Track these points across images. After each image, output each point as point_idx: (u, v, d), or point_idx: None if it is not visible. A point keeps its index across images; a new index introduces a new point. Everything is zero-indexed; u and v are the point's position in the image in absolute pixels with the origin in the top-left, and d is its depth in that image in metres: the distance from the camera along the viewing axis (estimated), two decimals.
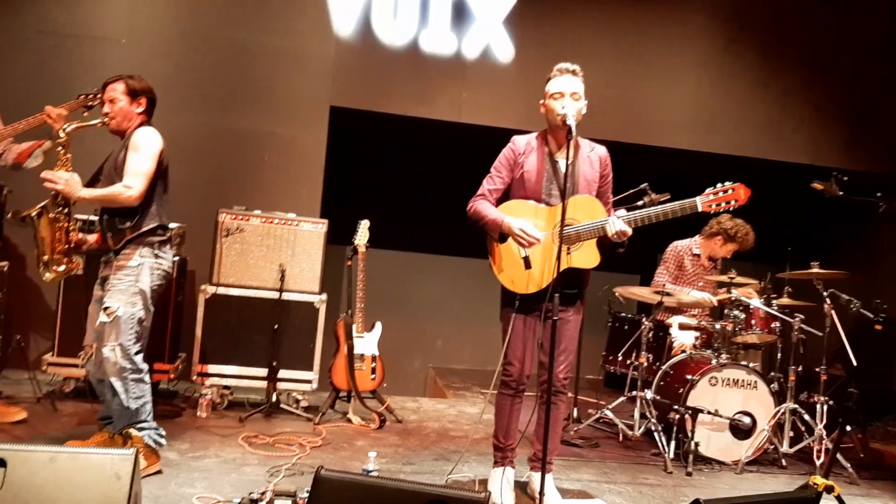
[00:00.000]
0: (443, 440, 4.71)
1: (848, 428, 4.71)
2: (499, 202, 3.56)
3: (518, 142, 3.59)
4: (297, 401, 5.01)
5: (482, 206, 3.53)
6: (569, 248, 3.41)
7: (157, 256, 3.73)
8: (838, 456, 4.62)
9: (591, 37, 6.25)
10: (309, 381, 5.01)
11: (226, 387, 4.95)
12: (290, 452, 4.08)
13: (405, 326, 7.25)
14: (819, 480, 3.32)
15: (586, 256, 3.46)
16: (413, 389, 7.07)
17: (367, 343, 4.94)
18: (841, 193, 5.03)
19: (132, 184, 3.62)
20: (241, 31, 5.79)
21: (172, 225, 3.96)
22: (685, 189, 4.79)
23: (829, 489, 3.30)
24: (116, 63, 5.30)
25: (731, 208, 3.39)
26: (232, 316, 4.94)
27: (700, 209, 3.38)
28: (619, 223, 3.37)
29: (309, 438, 4.36)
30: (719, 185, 3.38)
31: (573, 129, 3.30)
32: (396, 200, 6.75)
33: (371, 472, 3.45)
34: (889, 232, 5.66)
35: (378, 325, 5.02)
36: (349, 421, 4.86)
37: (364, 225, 4.96)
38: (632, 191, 4.81)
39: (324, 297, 5.07)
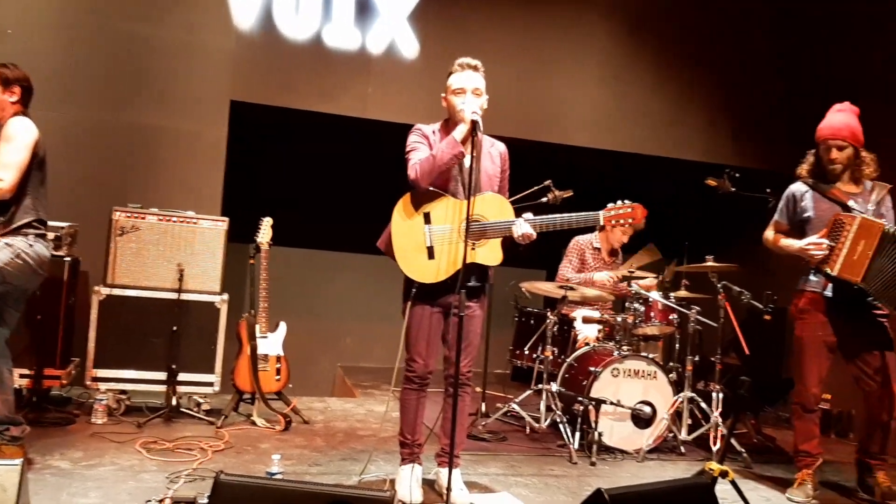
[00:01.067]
0: (350, 440, 4.66)
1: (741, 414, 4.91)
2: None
3: (424, 128, 3.58)
4: (199, 404, 4.85)
5: (423, 156, 3.41)
6: (473, 244, 3.43)
7: (30, 245, 3.50)
8: (733, 441, 4.83)
9: (495, 34, 6.30)
10: (211, 384, 4.87)
11: (123, 392, 4.76)
12: (192, 457, 3.95)
13: (312, 325, 7.16)
14: (714, 466, 3.44)
15: (489, 253, 3.49)
16: (321, 389, 6.98)
17: (271, 343, 4.84)
18: (733, 189, 5.24)
19: (3, 176, 3.42)
20: (136, 23, 5.57)
21: (64, 224, 3.75)
22: (588, 186, 4.91)
23: (724, 474, 3.43)
24: (1, 55, 5.01)
25: (627, 225, 3.51)
26: (128, 318, 4.74)
27: (601, 223, 3.48)
28: (525, 226, 3.41)
29: (211, 442, 4.23)
30: (620, 202, 3.48)
31: (480, 125, 3.31)
32: (301, 197, 6.65)
33: (275, 474, 3.39)
34: None
35: (282, 325, 4.93)
36: (253, 423, 4.75)
37: (267, 222, 4.86)
38: (535, 188, 4.87)
39: (225, 296, 4.94)
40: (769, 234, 4.44)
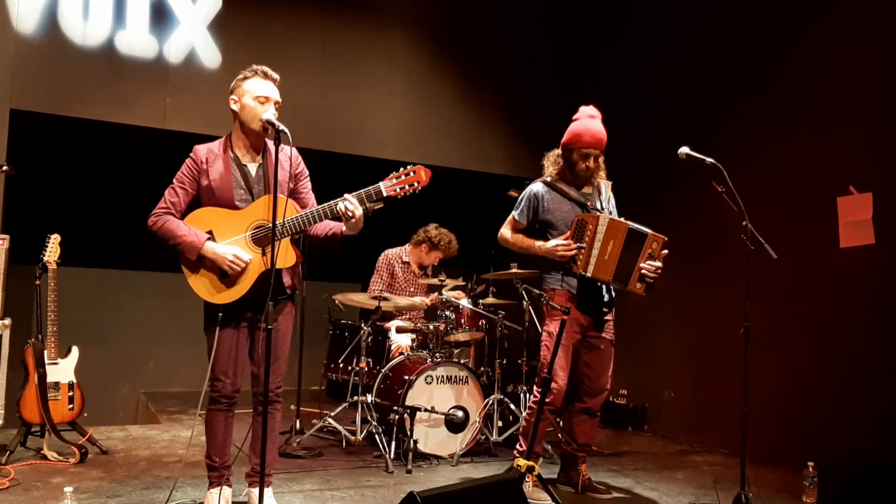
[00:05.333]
0: (154, 467, 4.39)
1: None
2: (183, 216, 3.40)
3: (200, 151, 3.46)
4: None
5: (174, 224, 3.34)
6: (263, 250, 3.35)
7: None
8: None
9: (299, 46, 6.22)
10: None
11: None
12: None
13: (110, 350, 6.72)
14: (521, 462, 3.60)
15: (282, 255, 3.39)
16: (122, 418, 6.56)
17: (62, 370, 4.48)
18: None
19: None
20: None
21: None
22: (400, 199, 4.95)
23: (531, 469, 3.60)
24: None
25: (416, 191, 3.41)
26: None
27: (385, 193, 3.38)
28: (346, 202, 3.30)
29: None
30: (401, 168, 3.43)
31: (289, 135, 3.19)
32: (95, 213, 6.22)
33: None
34: None
35: (75, 350, 4.57)
36: (44, 458, 4.36)
37: (54, 239, 4.50)
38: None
39: (7, 321, 4.49)
40: (507, 232, 4.45)
